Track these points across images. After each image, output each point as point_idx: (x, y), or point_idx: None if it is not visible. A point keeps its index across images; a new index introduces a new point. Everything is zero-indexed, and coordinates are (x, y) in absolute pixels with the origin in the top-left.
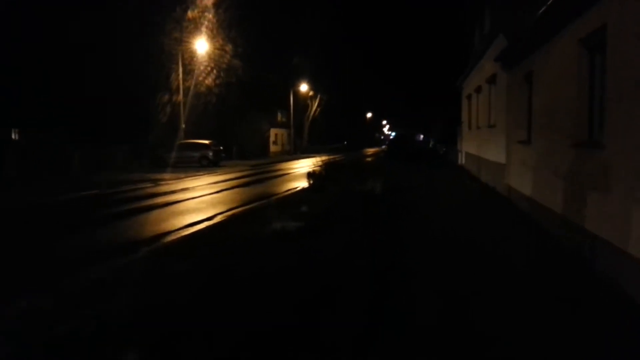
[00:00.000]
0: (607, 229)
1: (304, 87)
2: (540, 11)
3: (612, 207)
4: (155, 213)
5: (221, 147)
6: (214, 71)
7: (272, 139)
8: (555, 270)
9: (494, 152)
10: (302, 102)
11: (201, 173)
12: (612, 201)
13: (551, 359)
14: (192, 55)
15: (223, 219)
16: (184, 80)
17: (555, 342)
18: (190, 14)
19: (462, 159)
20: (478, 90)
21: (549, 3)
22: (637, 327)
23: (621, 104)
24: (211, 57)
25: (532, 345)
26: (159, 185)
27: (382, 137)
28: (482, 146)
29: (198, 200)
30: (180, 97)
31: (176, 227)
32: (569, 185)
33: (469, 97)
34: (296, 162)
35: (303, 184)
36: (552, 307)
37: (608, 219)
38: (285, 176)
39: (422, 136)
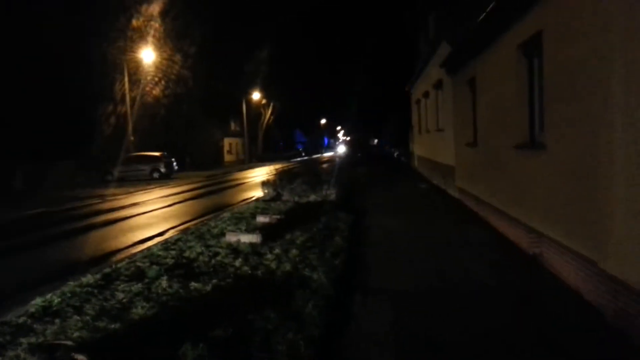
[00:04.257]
0: (554, 229)
1: (256, 95)
2: (480, 18)
3: (556, 203)
4: (104, 230)
5: (173, 159)
6: (162, 81)
7: (226, 148)
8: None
9: (444, 154)
10: (255, 111)
11: (152, 186)
12: (557, 199)
13: None
14: (138, 64)
15: (175, 233)
16: (131, 90)
17: None
18: (136, 22)
19: (415, 162)
20: (426, 95)
21: (487, 10)
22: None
23: (557, 106)
24: (159, 66)
25: None
26: (108, 201)
27: (338, 143)
28: (433, 149)
29: (149, 215)
30: (127, 107)
31: (125, 245)
32: (512, 184)
33: (418, 102)
34: (251, 171)
35: (258, 193)
36: None
37: (553, 219)
38: (240, 186)
39: (376, 140)
